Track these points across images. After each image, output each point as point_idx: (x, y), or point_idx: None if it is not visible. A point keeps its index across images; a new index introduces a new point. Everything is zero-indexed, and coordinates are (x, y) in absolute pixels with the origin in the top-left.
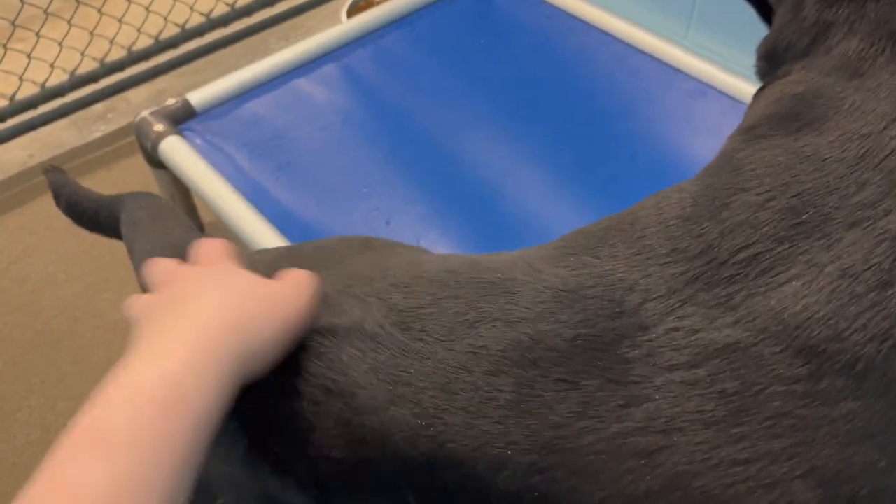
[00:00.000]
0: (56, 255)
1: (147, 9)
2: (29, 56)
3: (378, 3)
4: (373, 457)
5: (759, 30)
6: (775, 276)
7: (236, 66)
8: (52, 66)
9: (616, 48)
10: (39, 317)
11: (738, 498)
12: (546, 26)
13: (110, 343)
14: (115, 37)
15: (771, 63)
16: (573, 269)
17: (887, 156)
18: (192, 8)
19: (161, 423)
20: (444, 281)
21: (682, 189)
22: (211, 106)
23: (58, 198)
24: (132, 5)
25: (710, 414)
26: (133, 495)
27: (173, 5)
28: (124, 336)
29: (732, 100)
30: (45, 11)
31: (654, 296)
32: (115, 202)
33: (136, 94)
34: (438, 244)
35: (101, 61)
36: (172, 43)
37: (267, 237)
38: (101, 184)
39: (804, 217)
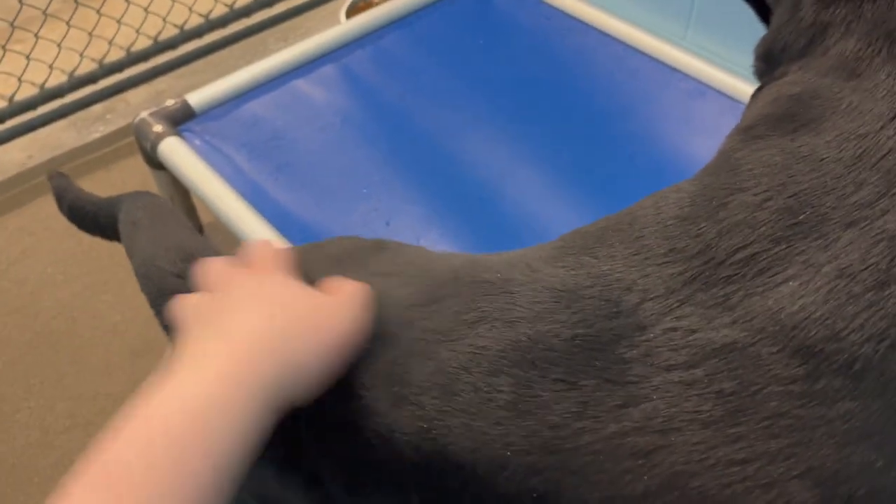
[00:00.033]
0: (55, 257)
1: (146, 10)
2: (28, 57)
3: (377, 4)
4: (376, 459)
5: (757, 30)
6: (773, 276)
7: (235, 67)
8: (50, 67)
9: (615, 49)
10: (38, 318)
11: (735, 498)
12: (545, 27)
13: (109, 344)
14: (113, 38)
15: (768, 63)
16: (571, 269)
17: (884, 156)
18: (190, 9)
19: (175, 466)
20: (445, 281)
21: (679, 189)
22: (210, 107)
23: (60, 202)
24: (131, 6)
25: (708, 414)
26: None
27: (172, 6)
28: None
29: (731, 100)
30: (44, 13)
31: (652, 296)
32: (112, 202)
33: (134, 95)
34: (438, 245)
35: (100, 62)
36: (171, 44)
37: (266, 238)
38: (100, 185)
39: (801, 217)
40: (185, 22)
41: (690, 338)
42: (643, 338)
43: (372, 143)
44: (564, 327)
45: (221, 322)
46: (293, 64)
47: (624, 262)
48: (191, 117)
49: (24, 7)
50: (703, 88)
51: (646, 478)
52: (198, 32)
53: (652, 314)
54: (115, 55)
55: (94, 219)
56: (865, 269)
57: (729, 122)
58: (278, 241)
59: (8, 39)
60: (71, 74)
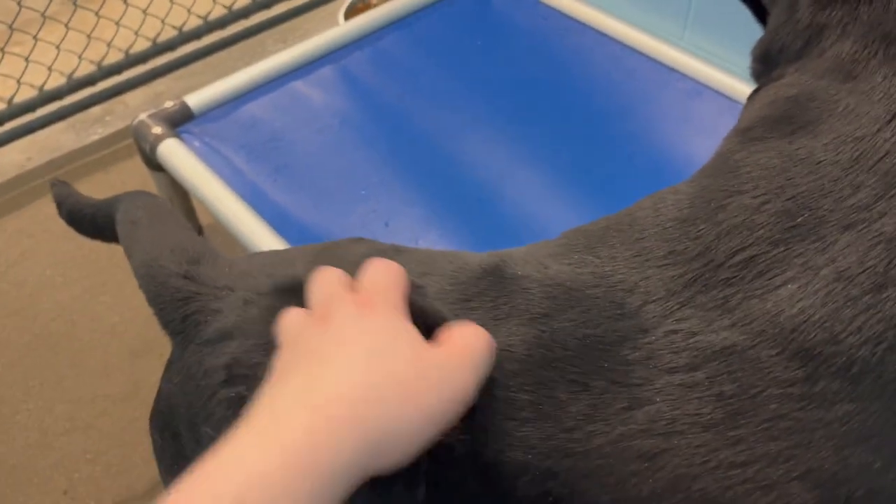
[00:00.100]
0: (54, 259)
1: (144, 12)
2: (26, 59)
3: (375, 5)
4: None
5: (755, 31)
6: (771, 278)
7: (234, 69)
8: (49, 69)
9: (612, 49)
10: (37, 320)
11: (736, 500)
12: (543, 27)
13: (108, 346)
14: (112, 40)
15: (765, 65)
16: (577, 267)
17: (881, 158)
18: (189, 10)
19: None
20: (473, 279)
21: (678, 191)
22: (209, 108)
23: (60, 208)
24: (129, 8)
25: (709, 416)
26: None
27: (170, 8)
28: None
29: (729, 100)
30: (43, 15)
31: (654, 298)
32: (109, 203)
33: (133, 97)
34: (437, 245)
35: (99, 64)
36: (170, 46)
37: (265, 239)
38: (98, 186)
39: (799, 220)
40: (184, 24)
41: (691, 340)
42: (645, 340)
43: (371, 144)
44: (576, 326)
45: (311, 369)
46: (292, 65)
47: (625, 264)
48: (189, 119)
49: (23, 9)
50: (700, 88)
51: (651, 480)
52: (196, 34)
53: (654, 316)
54: (114, 57)
55: (92, 220)
56: (863, 271)
57: (726, 122)
58: (276, 243)
59: (7, 42)
60: (70, 76)
